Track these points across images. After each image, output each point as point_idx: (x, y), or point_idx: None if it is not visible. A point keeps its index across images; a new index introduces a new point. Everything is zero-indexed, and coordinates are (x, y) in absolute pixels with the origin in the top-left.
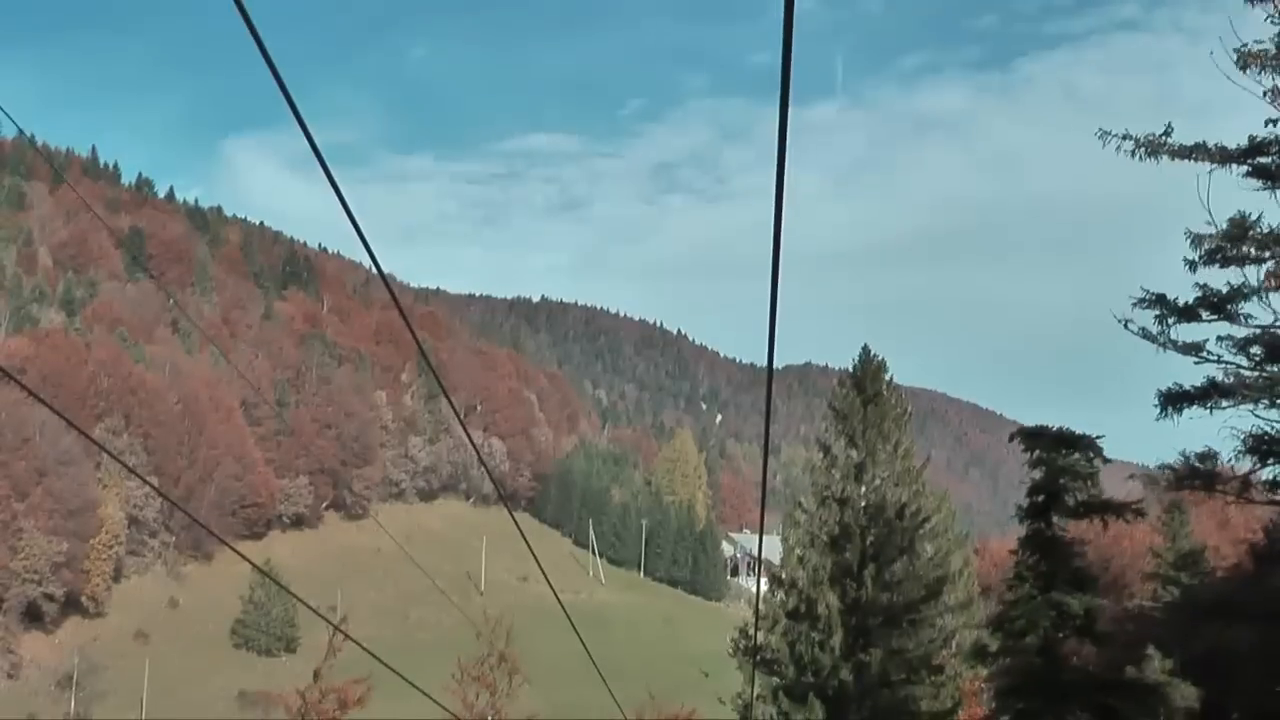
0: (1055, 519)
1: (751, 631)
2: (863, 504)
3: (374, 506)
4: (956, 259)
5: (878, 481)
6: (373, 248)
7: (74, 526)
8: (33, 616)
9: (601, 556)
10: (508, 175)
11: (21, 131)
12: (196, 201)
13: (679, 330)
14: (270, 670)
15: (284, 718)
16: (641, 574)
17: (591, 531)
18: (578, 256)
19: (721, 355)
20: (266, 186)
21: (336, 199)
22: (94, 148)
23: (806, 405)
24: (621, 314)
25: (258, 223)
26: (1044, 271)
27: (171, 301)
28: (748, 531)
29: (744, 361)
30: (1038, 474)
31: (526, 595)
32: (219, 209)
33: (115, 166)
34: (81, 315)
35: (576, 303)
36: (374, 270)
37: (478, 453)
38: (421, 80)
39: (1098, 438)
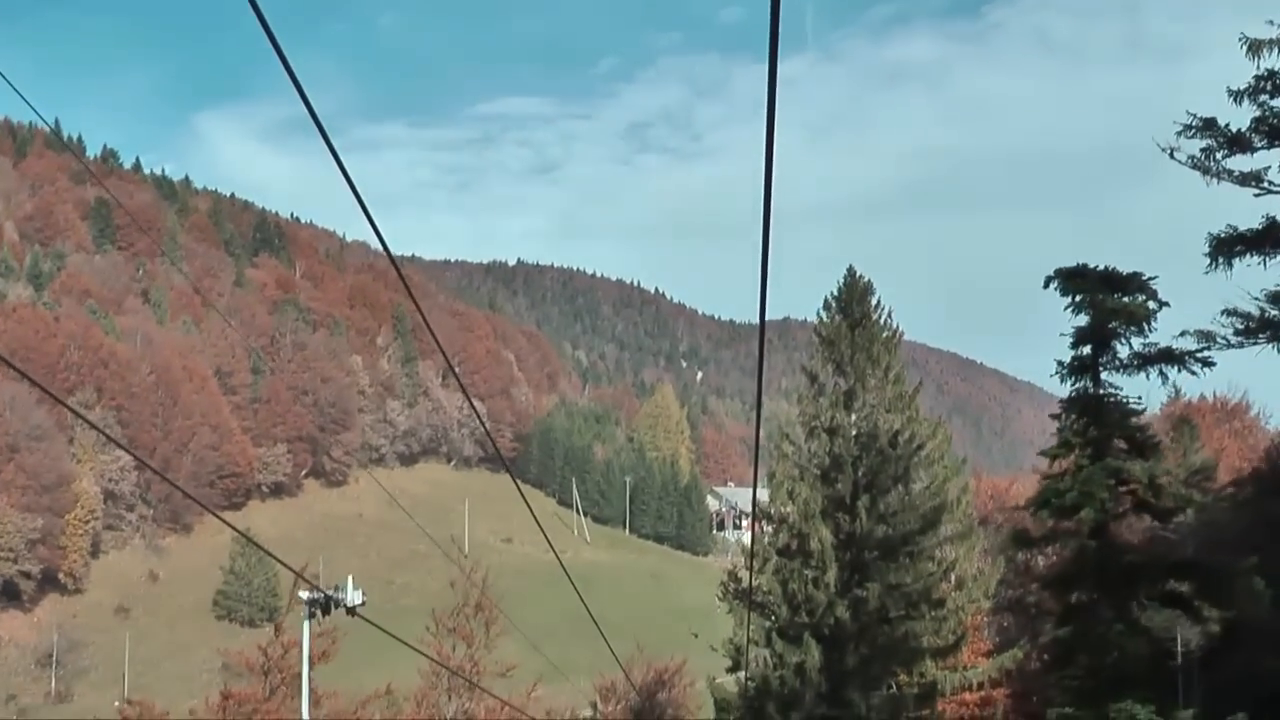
0: (1104, 374)
1: (741, 574)
2: (853, 433)
3: (354, 472)
4: (933, 209)
5: (868, 409)
6: (346, 217)
7: (48, 502)
8: (10, 595)
9: (586, 515)
10: (481, 140)
11: None
12: (164, 172)
13: (657, 289)
14: (254, 641)
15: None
16: (627, 531)
17: (575, 490)
18: (554, 220)
19: (700, 312)
20: (234, 158)
21: (310, 165)
22: (57, 120)
23: (787, 359)
24: (599, 274)
25: (227, 194)
26: (1021, 219)
27: (140, 271)
28: (732, 485)
29: (723, 318)
30: (1082, 320)
31: (511, 556)
32: (187, 179)
33: (80, 140)
34: (49, 288)
35: (553, 265)
36: (346, 238)
37: (474, 408)
38: (391, 47)
39: (1149, 279)
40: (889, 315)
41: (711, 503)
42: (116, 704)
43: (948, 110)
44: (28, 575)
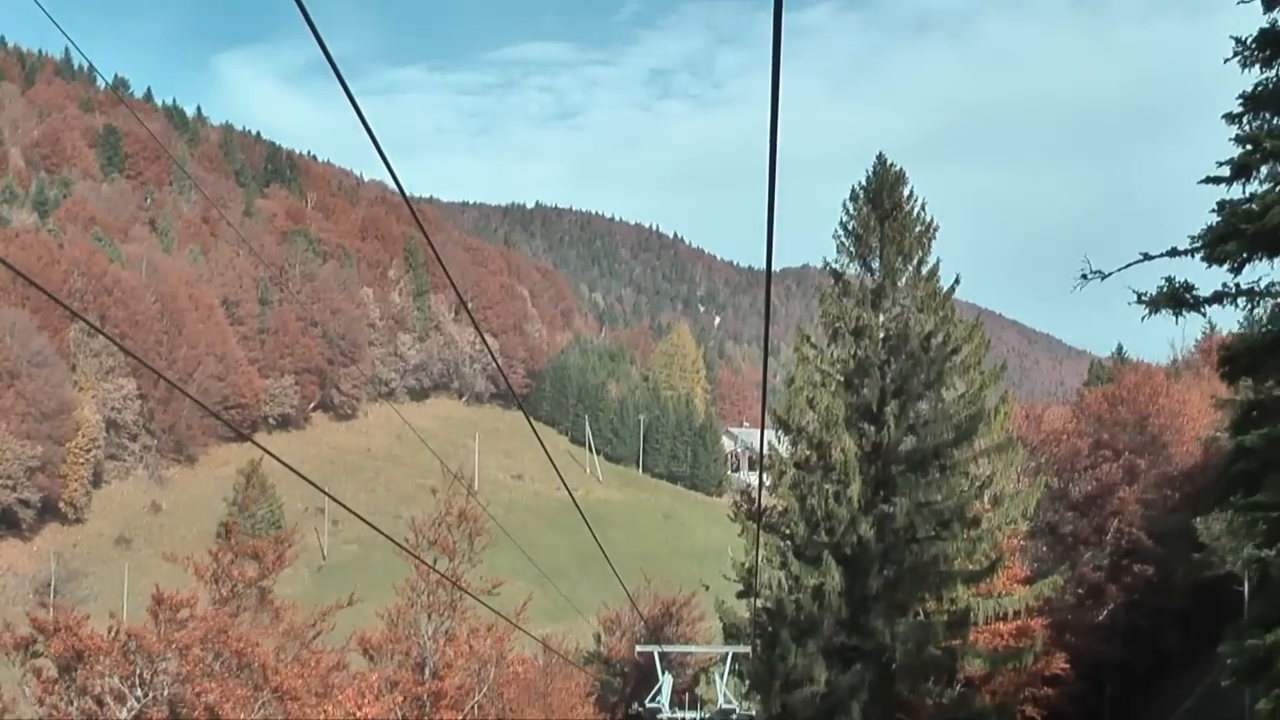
0: None
1: (754, 493)
2: (881, 335)
3: (363, 406)
4: (954, 160)
5: (898, 309)
6: (362, 158)
7: (48, 430)
8: (8, 523)
9: (598, 454)
10: (503, 85)
11: None
12: (175, 102)
13: (675, 234)
14: (274, 583)
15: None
16: (640, 470)
17: (588, 428)
18: (574, 165)
19: (719, 258)
20: (249, 98)
21: (325, 107)
22: (67, 50)
23: (805, 306)
24: (617, 218)
25: (239, 127)
26: (1042, 171)
27: (148, 200)
28: (748, 425)
29: (741, 264)
30: None
31: (521, 493)
32: (199, 111)
33: (90, 69)
34: (55, 215)
35: (571, 208)
36: (364, 177)
37: (486, 344)
38: None
39: None
40: (923, 207)
41: (727, 443)
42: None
43: (970, 61)
44: (27, 504)
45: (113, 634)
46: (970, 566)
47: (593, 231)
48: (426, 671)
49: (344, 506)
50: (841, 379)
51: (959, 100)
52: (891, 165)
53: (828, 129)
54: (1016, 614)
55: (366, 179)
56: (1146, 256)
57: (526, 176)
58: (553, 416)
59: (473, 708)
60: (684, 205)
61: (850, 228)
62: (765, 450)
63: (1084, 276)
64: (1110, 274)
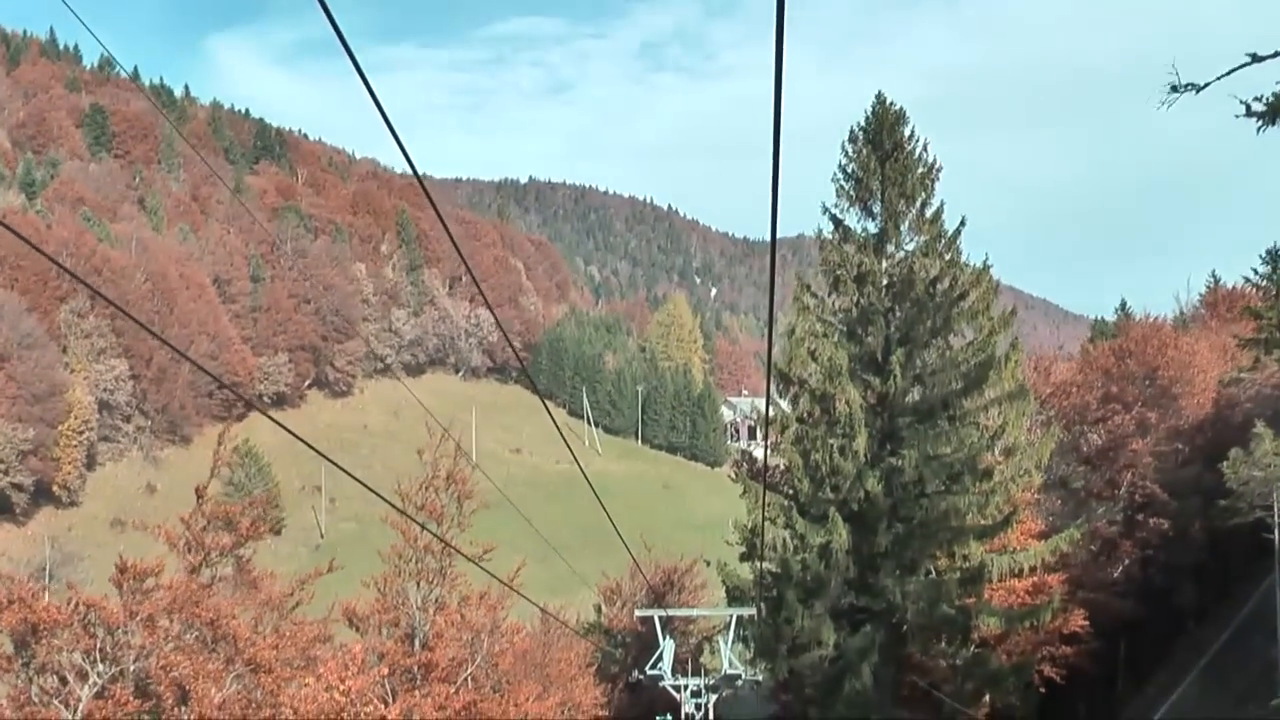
0: None
1: (757, 451)
2: (885, 281)
3: (359, 383)
4: (947, 127)
5: (901, 254)
6: (353, 136)
7: (40, 412)
8: (1, 507)
9: (597, 426)
10: (494, 61)
11: None
12: (162, 80)
13: (670, 205)
14: (254, 553)
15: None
16: (639, 441)
17: (585, 400)
18: (567, 140)
19: (714, 229)
20: (238, 78)
21: (315, 85)
22: (52, 29)
23: (801, 276)
24: (611, 191)
25: (227, 105)
26: (1035, 138)
27: (137, 179)
28: (747, 394)
29: (736, 235)
30: None
31: (520, 467)
32: (186, 90)
33: (76, 49)
34: (42, 196)
35: (565, 182)
36: (355, 154)
37: (492, 312)
38: None
39: None
40: (925, 147)
41: (726, 413)
42: None
43: (968, 26)
44: (20, 487)
45: (71, 605)
46: (983, 521)
47: (587, 205)
48: (416, 643)
49: (349, 474)
50: (844, 329)
51: (952, 66)
52: (891, 104)
53: (822, 96)
54: (1032, 570)
55: (359, 156)
56: (1255, 58)
57: (520, 152)
58: (550, 389)
59: (466, 680)
60: (678, 177)
61: (850, 170)
62: (769, 405)
63: (1174, 89)
64: (1207, 84)
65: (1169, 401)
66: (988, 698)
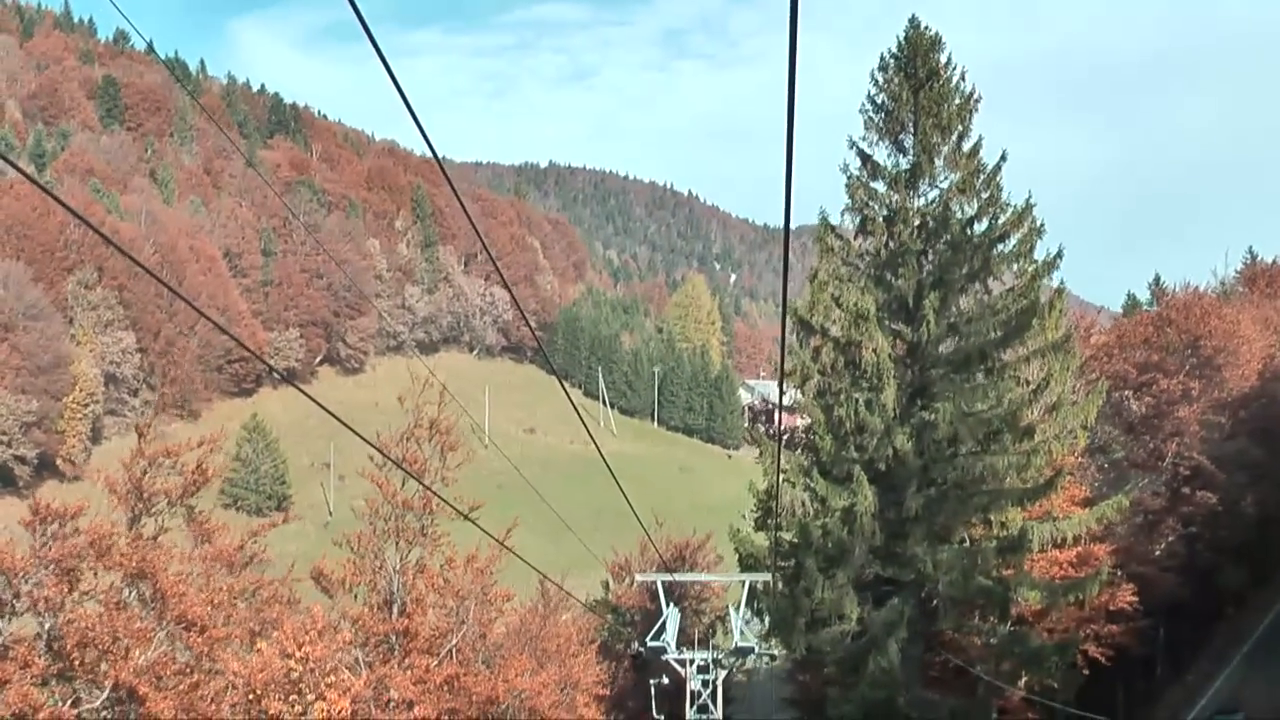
0: None
1: (770, 407)
2: (917, 221)
3: (371, 360)
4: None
5: (936, 191)
6: (372, 120)
7: (45, 384)
8: (4, 480)
9: (612, 407)
10: (518, 47)
11: None
12: (177, 54)
13: (690, 191)
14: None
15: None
16: (654, 423)
17: (601, 381)
18: (589, 126)
19: (734, 215)
20: (254, 60)
21: (336, 69)
22: (66, 2)
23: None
24: (631, 176)
25: (242, 80)
26: (1058, 125)
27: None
28: (764, 377)
29: (757, 221)
30: None
31: (534, 447)
32: (201, 64)
33: (90, 22)
34: (52, 167)
35: (585, 166)
36: (375, 136)
37: (509, 289)
38: None
39: None
40: (962, 76)
41: (744, 396)
42: None
43: (992, 13)
44: (23, 460)
45: None
46: (1023, 484)
47: (607, 189)
48: (394, 610)
49: (364, 439)
50: (872, 273)
51: (972, 54)
52: (926, 28)
53: (843, 84)
54: (1076, 540)
55: (378, 139)
56: None
57: (541, 137)
58: (565, 369)
59: (450, 652)
60: (699, 163)
61: (879, 101)
62: (784, 336)
63: None
64: None
65: (1212, 372)
66: (1023, 680)
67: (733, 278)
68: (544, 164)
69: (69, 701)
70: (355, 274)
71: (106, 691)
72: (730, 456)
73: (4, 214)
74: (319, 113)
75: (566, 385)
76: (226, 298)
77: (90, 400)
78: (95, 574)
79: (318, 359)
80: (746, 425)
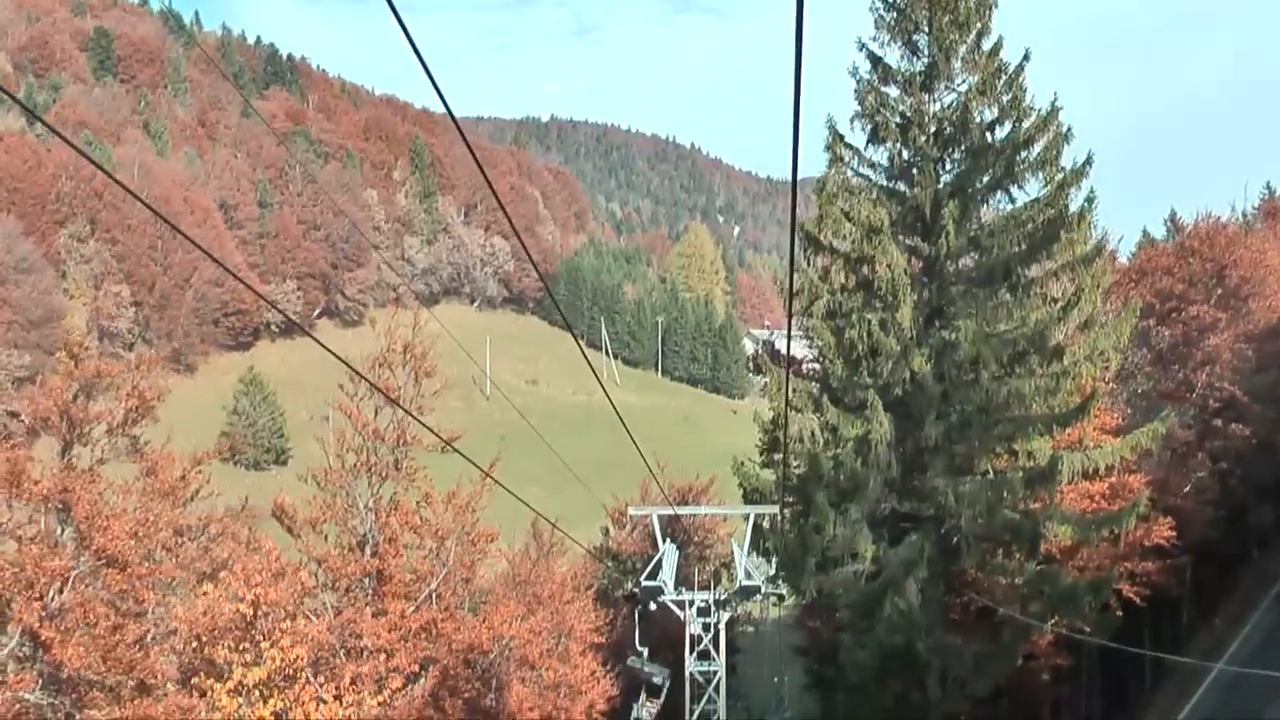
0: None
1: (779, 343)
2: (933, 127)
3: (370, 312)
4: None
5: (953, 95)
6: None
7: (37, 339)
8: None
9: (615, 358)
10: (520, 2)
11: None
12: (170, 3)
13: (693, 144)
14: (259, 484)
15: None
16: (659, 374)
17: (604, 331)
18: (591, 81)
19: (737, 168)
20: (250, 10)
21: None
22: None
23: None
24: (633, 130)
25: (237, 32)
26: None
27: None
28: (769, 326)
29: (760, 174)
30: None
31: (535, 399)
32: (196, 15)
33: None
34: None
35: (587, 120)
36: (374, 91)
37: (519, 236)
38: None
39: None
40: None
41: (748, 345)
42: None
43: None
44: (16, 415)
45: None
46: (1052, 408)
47: (609, 143)
48: (367, 551)
49: (372, 385)
50: (885, 183)
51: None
52: None
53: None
54: (1109, 470)
55: (377, 93)
56: None
57: (543, 92)
58: (568, 320)
59: (430, 596)
60: (702, 116)
61: None
62: (794, 233)
63: None
64: None
65: (1239, 304)
66: (1052, 621)
67: (736, 230)
68: (545, 118)
69: None
70: (353, 225)
71: (16, 637)
72: (735, 412)
73: None
74: (316, 66)
75: (567, 335)
76: (222, 250)
77: (84, 354)
78: (10, 506)
79: (316, 311)
80: (749, 368)
